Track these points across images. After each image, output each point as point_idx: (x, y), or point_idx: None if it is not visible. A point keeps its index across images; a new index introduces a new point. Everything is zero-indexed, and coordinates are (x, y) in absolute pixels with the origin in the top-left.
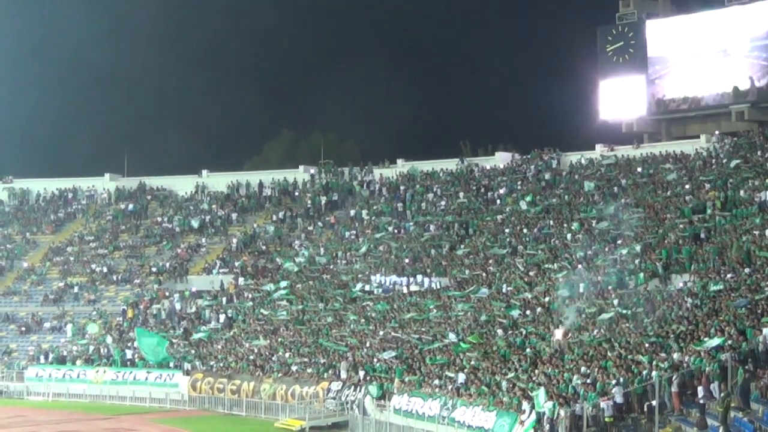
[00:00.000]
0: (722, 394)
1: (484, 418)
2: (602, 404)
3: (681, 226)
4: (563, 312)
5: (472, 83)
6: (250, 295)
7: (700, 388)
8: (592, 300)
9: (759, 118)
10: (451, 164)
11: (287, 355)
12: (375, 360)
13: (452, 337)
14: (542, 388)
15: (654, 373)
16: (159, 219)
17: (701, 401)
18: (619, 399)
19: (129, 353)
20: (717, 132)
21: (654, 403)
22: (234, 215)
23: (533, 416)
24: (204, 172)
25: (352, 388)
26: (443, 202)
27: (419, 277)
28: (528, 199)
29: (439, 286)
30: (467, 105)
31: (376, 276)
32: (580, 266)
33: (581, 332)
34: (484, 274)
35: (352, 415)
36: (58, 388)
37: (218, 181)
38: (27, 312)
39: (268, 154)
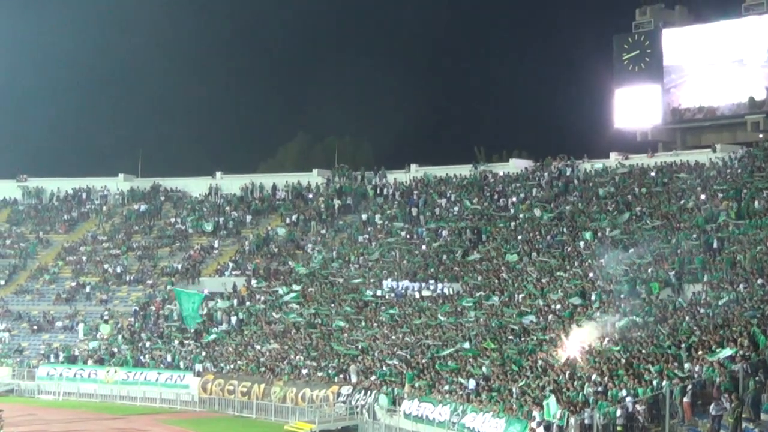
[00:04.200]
0: (733, 405)
1: (494, 424)
2: (614, 412)
3: (694, 235)
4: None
5: (488, 89)
6: (262, 298)
7: (711, 400)
8: (603, 308)
9: None
10: (464, 170)
11: (298, 358)
12: (385, 366)
13: (464, 344)
14: (552, 396)
15: (665, 383)
16: (172, 220)
17: (712, 412)
18: (629, 408)
19: (141, 357)
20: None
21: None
22: (247, 217)
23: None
24: (218, 173)
25: (363, 392)
26: (456, 208)
27: (431, 283)
28: (542, 206)
29: (451, 292)
30: (483, 111)
31: (388, 281)
32: (591, 274)
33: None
34: (496, 281)
35: (362, 420)
36: (68, 387)
37: (232, 183)
38: (39, 311)
39: (283, 156)
